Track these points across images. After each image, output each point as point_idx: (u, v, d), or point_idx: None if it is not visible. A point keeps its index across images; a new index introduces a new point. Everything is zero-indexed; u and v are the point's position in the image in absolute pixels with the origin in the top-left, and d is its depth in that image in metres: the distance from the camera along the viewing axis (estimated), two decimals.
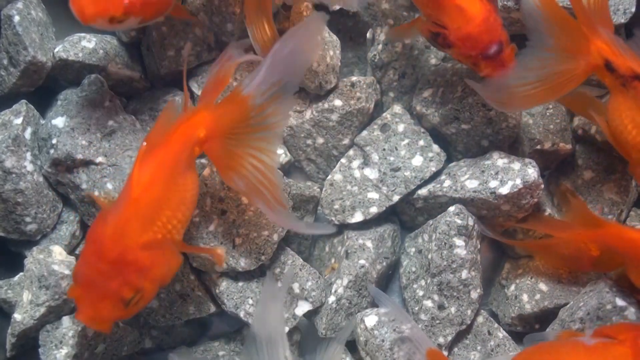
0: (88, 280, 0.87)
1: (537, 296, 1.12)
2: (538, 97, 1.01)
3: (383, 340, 1.05)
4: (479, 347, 1.11)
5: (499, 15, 0.97)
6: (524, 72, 0.99)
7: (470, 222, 1.10)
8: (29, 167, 1.10)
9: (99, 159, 1.09)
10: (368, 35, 1.26)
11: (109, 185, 1.08)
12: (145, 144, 0.92)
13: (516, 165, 1.07)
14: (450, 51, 0.99)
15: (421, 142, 1.17)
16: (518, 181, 1.06)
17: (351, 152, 1.20)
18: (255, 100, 0.94)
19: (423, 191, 1.14)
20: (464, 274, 1.09)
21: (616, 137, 1.00)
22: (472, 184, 1.10)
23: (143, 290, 0.88)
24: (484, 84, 1.02)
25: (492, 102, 1.04)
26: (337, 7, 1.20)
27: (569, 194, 1.12)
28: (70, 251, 1.12)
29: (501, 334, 1.13)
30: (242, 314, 1.10)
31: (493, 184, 1.07)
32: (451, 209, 1.10)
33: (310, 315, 1.14)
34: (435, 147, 1.16)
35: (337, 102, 1.17)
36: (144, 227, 0.88)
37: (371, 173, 1.16)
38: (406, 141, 1.17)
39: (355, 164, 1.18)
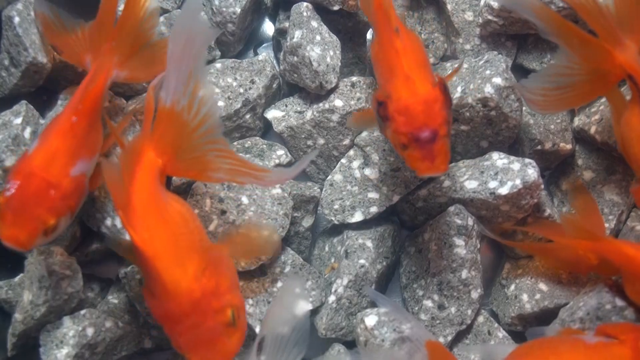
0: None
1: (537, 296, 1.11)
2: (567, 101, 1.02)
3: (383, 340, 1.05)
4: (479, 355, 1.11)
5: (447, 111, 0.89)
6: (556, 77, 0.99)
7: (470, 222, 1.10)
8: None
9: (100, 159, 1.09)
10: (368, 35, 1.26)
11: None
12: (120, 211, 0.88)
13: (516, 166, 1.07)
14: (387, 126, 0.91)
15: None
16: (518, 182, 1.06)
17: (351, 152, 1.20)
18: (179, 104, 0.89)
19: (423, 191, 1.14)
20: (464, 273, 1.09)
21: (626, 150, 1.00)
22: (471, 185, 1.10)
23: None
24: (523, 83, 1.02)
25: (528, 102, 1.03)
26: (337, 7, 1.20)
27: (581, 191, 1.11)
28: (71, 252, 1.12)
29: (501, 333, 1.13)
30: None
31: (492, 184, 1.07)
32: (451, 208, 1.11)
33: (310, 315, 1.14)
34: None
35: (338, 103, 1.17)
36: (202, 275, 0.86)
37: (371, 173, 1.16)
38: None
39: (356, 164, 1.18)
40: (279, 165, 1.17)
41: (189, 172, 0.96)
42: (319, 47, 1.16)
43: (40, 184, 0.91)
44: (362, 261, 1.13)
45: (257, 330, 1.10)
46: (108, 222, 1.08)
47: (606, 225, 1.13)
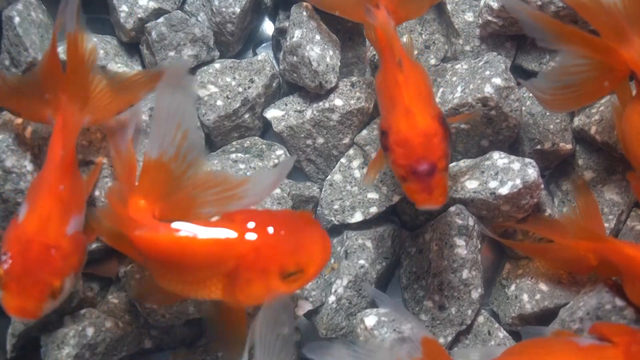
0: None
1: (538, 296, 1.11)
2: (576, 100, 1.01)
3: (383, 340, 1.05)
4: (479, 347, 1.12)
5: (446, 143, 0.89)
6: (565, 75, 0.99)
7: (471, 222, 1.10)
8: (29, 166, 1.10)
9: (100, 159, 1.09)
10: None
11: (111, 184, 1.08)
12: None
13: (516, 166, 1.07)
14: (388, 157, 0.92)
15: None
16: (518, 181, 1.06)
17: (351, 151, 1.20)
18: (167, 154, 0.89)
19: None
20: (465, 273, 1.09)
21: (627, 146, 1.00)
22: (471, 185, 1.10)
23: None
24: (532, 82, 1.02)
25: (540, 100, 1.03)
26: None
27: (583, 189, 1.12)
28: None
29: (501, 333, 1.13)
30: None
31: (493, 184, 1.07)
32: (451, 209, 1.11)
33: (310, 315, 1.14)
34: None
35: (338, 102, 1.17)
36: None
37: None
38: None
39: (355, 163, 1.18)
40: (279, 164, 1.17)
41: (178, 214, 0.91)
42: (319, 46, 1.16)
43: (39, 249, 0.88)
44: (361, 261, 1.13)
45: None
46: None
47: (606, 225, 1.13)
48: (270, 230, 0.86)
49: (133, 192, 0.91)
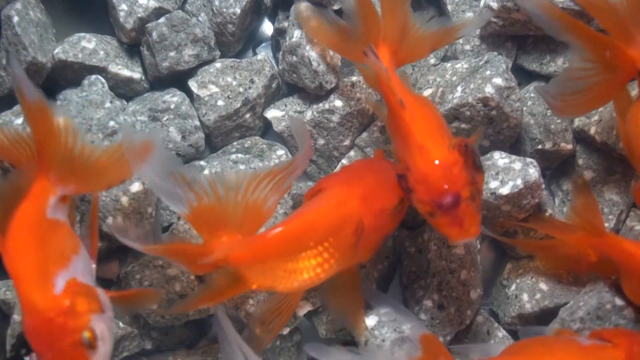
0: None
1: (538, 295, 1.12)
2: (586, 105, 1.01)
3: (383, 340, 1.05)
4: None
5: (469, 172, 0.87)
6: (570, 82, 0.98)
7: None
8: None
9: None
10: None
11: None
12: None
13: (517, 166, 1.07)
14: (411, 198, 0.90)
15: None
16: (519, 181, 1.06)
17: (352, 153, 1.20)
18: (203, 199, 0.89)
19: None
20: (463, 274, 1.10)
21: (629, 147, 1.00)
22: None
23: None
24: (545, 89, 1.01)
25: (551, 108, 1.04)
26: (337, 7, 1.20)
27: (584, 188, 1.12)
28: None
29: (501, 333, 1.13)
30: (242, 315, 1.10)
31: (493, 184, 1.07)
32: None
33: (310, 315, 1.14)
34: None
35: (338, 103, 1.17)
36: None
37: None
38: None
39: None
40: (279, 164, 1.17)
41: (253, 223, 0.92)
42: (319, 46, 1.16)
43: (44, 330, 0.84)
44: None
45: (258, 331, 1.09)
46: (109, 221, 1.07)
47: (606, 224, 1.13)
48: (367, 175, 0.95)
49: (209, 244, 0.90)
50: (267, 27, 1.35)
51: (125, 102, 1.20)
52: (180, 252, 0.91)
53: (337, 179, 0.99)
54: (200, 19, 1.24)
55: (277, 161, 1.17)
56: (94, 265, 0.96)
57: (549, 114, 1.16)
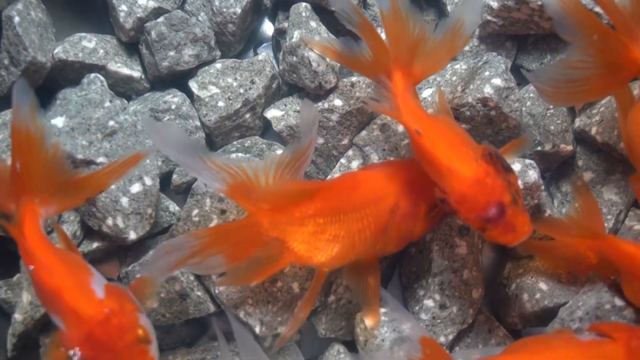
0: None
1: (537, 295, 1.12)
2: (580, 95, 1.00)
3: (383, 340, 1.05)
4: (480, 346, 1.12)
5: (502, 177, 0.90)
6: (569, 69, 0.98)
7: None
8: None
9: (100, 159, 1.09)
10: None
11: (112, 185, 1.08)
12: None
13: (517, 167, 1.07)
14: (460, 218, 0.93)
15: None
16: (518, 182, 1.06)
17: (350, 152, 1.20)
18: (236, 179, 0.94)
19: None
20: (466, 273, 1.10)
21: (630, 146, 1.00)
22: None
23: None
24: (535, 73, 1.01)
25: (541, 93, 1.03)
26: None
27: (583, 190, 1.12)
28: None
29: (502, 332, 1.13)
30: (242, 314, 1.10)
31: None
32: None
33: (310, 315, 1.14)
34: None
35: (337, 102, 1.17)
36: None
37: None
38: (406, 141, 1.17)
39: (355, 164, 1.18)
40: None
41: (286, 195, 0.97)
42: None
43: (101, 331, 0.87)
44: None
45: (257, 330, 1.10)
46: (109, 221, 1.08)
47: (605, 224, 1.14)
48: (414, 171, 0.98)
49: (254, 215, 0.95)
50: (268, 28, 1.35)
51: (126, 101, 1.20)
52: (229, 231, 0.95)
53: (383, 164, 1.04)
54: (199, 18, 1.24)
55: None
56: None
57: (548, 114, 1.15)
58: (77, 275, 0.92)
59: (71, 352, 0.90)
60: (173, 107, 1.18)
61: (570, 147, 1.15)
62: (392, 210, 0.97)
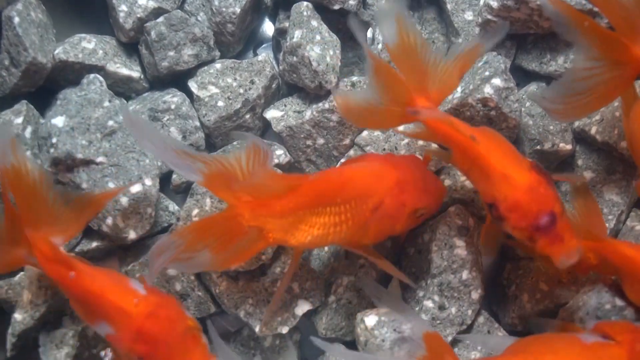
0: None
1: (538, 296, 1.11)
2: (590, 105, 1.00)
3: (383, 340, 1.05)
4: (479, 347, 1.11)
5: (552, 188, 0.91)
6: (574, 84, 0.98)
7: (471, 222, 1.10)
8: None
9: (100, 159, 1.09)
10: (368, 34, 1.26)
11: (111, 185, 1.08)
12: None
13: None
14: (505, 226, 0.93)
15: (421, 142, 1.16)
16: None
17: (351, 152, 1.20)
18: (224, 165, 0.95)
19: None
20: (465, 274, 1.09)
21: (633, 144, 1.00)
22: (472, 185, 1.10)
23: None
24: (543, 95, 1.00)
25: (551, 114, 1.03)
26: (337, 7, 1.20)
27: (583, 190, 1.11)
28: (70, 250, 1.12)
29: (501, 333, 1.13)
30: (242, 314, 1.10)
31: None
32: (451, 209, 1.10)
33: (310, 314, 1.14)
34: (435, 147, 1.16)
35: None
36: None
37: None
38: (406, 141, 1.17)
39: None
40: (278, 164, 1.17)
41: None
42: (319, 46, 1.16)
43: (155, 330, 0.91)
44: (362, 261, 1.14)
45: (257, 329, 1.10)
46: (109, 221, 1.08)
47: (606, 225, 1.13)
48: (407, 169, 0.98)
49: (235, 206, 0.96)
50: (268, 28, 1.35)
51: (125, 101, 1.20)
52: (212, 224, 0.96)
53: (383, 158, 1.02)
54: (199, 18, 1.24)
55: (276, 161, 1.17)
56: None
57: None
58: (116, 278, 0.96)
59: (102, 354, 0.92)
60: (172, 107, 1.18)
61: (569, 147, 1.15)
62: (373, 208, 0.97)
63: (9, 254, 0.99)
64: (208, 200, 1.10)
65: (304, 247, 1.00)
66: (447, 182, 1.12)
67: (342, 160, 1.19)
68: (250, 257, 1.04)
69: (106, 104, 1.12)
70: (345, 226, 0.97)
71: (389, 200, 0.97)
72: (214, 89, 1.20)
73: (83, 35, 1.20)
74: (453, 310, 1.10)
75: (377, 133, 1.18)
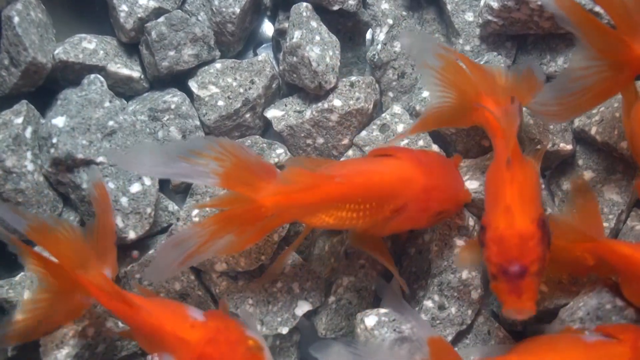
0: None
1: (538, 296, 1.11)
2: (585, 105, 1.00)
3: (383, 340, 1.05)
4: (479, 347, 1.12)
5: (542, 248, 0.90)
6: (569, 84, 0.98)
7: (471, 222, 1.10)
8: (30, 166, 1.10)
9: (100, 159, 1.09)
10: (367, 35, 1.26)
11: (111, 185, 1.08)
12: None
13: None
14: (483, 252, 0.93)
15: (420, 142, 1.16)
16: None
17: (350, 152, 1.20)
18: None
19: None
20: (465, 274, 1.09)
21: (634, 143, 1.00)
22: (472, 185, 1.10)
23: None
24: (536, 100, 1.00)
25: (543, 115, 1.03)
26: (337, 7, 1.21)
27: (583, 189, 1.11)
28: None
29: (502, 333, 1.13)
30: (242, 314, 1.10)
31: None
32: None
33: (310, 315, 1.14)
34: (435, 148, 1.16)
35: (337, 102, 1.17)
36: None
37: None
38: (406, 141, 1.17)
39: None
40: (278, 163, 1.17)
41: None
42: (319, 47, 1.16)
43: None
44: (362, 261, 1.14)
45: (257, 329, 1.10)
46: None
47: (606, 224, 1.13)
48: (435, 175, 0.97)
49: (255, 198, 0.94)
50: (268, 28, 1.35)
51: (125, 102, 1.20)
52: (234, 217, 0.95)
53: (414, 157, 1.01)
54: (199, 18, 1.24)
55: (276, 160, 1.17)
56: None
57: None
58: (173, 307, 0.96)
59: None
60: (172, 106, 1.18)
61: (569, 147, 1.15)
62: (395, 209, 0.97)
63: (68, 304, 1.01)
64: (208, 200, 1.10)
65: (315, 228, 1.00)
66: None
67: (342, 160, 1.19)
68: (263, 236, 1.05)
69: (107, 104, 1.12)
70: (362, 221, 0.97)
71: (413, 205, 0.98)
72: (214, 89, 1.20)
73: (83, 35, 1.20)
74: (453, 310, 1.10)
75: (376, 133, 1.18)
